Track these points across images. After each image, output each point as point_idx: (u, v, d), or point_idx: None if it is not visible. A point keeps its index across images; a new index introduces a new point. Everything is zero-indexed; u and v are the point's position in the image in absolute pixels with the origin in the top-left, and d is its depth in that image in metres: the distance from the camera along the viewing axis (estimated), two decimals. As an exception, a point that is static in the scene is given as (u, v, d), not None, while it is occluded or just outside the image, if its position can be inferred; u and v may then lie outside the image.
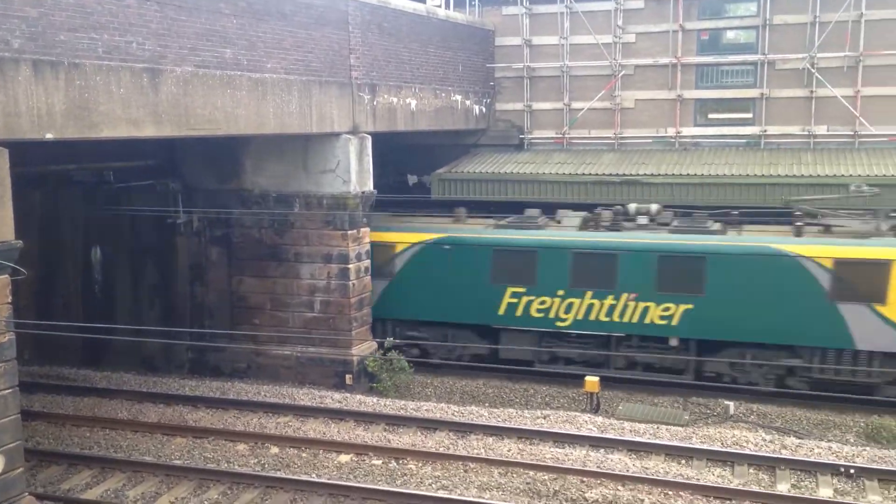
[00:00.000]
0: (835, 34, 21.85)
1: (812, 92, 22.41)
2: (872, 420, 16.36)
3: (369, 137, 18.91)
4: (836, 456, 14.48)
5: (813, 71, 22.20)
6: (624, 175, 22.07)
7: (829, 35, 21.87)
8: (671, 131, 23.84)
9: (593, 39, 23.86)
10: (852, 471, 13.79)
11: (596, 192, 22.15)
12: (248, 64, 15.38)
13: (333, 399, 17.65)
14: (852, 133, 22.26)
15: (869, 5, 21.53)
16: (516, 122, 25.31)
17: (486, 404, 18.27)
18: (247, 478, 13.96)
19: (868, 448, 15.04)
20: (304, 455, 15.01)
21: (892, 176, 20.01)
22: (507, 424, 16.01)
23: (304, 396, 17.90)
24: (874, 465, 14.00)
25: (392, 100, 20.02)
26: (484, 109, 24.84)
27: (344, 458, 14.85)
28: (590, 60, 24.21)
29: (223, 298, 19.83)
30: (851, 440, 15.91)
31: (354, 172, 18.41)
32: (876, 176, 20.13)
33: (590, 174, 22.45)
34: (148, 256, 20.55)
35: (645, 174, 21.94)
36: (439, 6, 24.52)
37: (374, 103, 19.25)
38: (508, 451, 14.88)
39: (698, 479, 13.64)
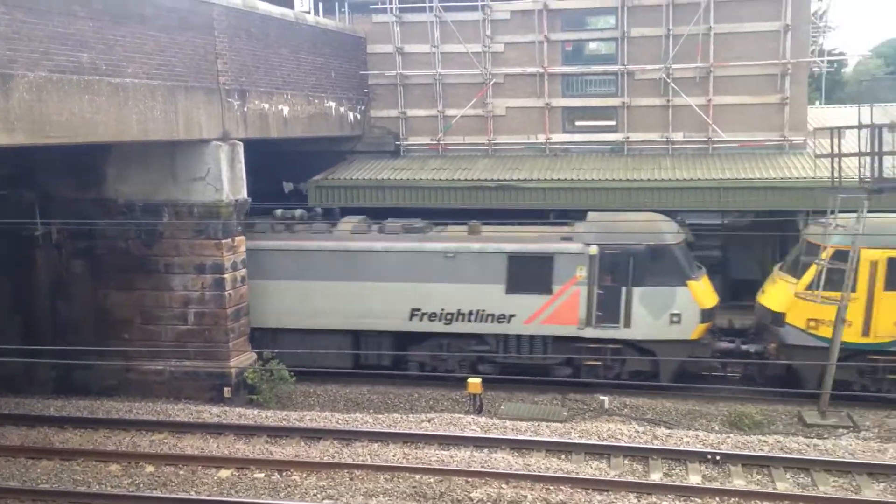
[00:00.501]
0: (687, 46, 23.15)
1: (668, 101, 23.64)
2: (735, 409, 17.38)
3: (241, 144, 18.48)
4: (703, 444, 15.27)
5: (669, 81, 23.43)
6: (498, 180, 22.57)
7: (682, 47, 23.14)
8: (541, 138, 24.57)
9: (463, 48, 24.29)
10: (718, 457, 14.57)
11: (472, 197, 22.58)
12: (106, 69, 14.72)
13: (211, 413, 17.10)
14: (706, 139, 23.62)
15: (717, 19, 22.92)
16: (391, 128, 25.40)
17: (371, 411, 18.20)
18: (120, 499, 13.36)
19: (732, 435, 15.94)
20: (181, 472, 14.45)
21: (742, 179, 21.44)
22: (392, 430, 16.02)
23: (180, 412, 17.24)
24: (737, 451, 14.85)
25: (263, 106, 19.67)
26: (359, 116, 24.80)
27: (224, 472, 14.41)
28: (461, 69, 24.63)
29: (88, 313, 18.85)
30: (717, 428, 16.85)
31: (226, 180, 17.94)
32: (728, 179, 21.50)
33: (465, 180, 22.83)
34: (4, 271, 19.28)
35: (518, 179, 22.52)
36: (308, 12, 24.27)
37: (245, 109, 18.85)
38: (394, 456, 14.88)
39: (577, 473, 14.10)
